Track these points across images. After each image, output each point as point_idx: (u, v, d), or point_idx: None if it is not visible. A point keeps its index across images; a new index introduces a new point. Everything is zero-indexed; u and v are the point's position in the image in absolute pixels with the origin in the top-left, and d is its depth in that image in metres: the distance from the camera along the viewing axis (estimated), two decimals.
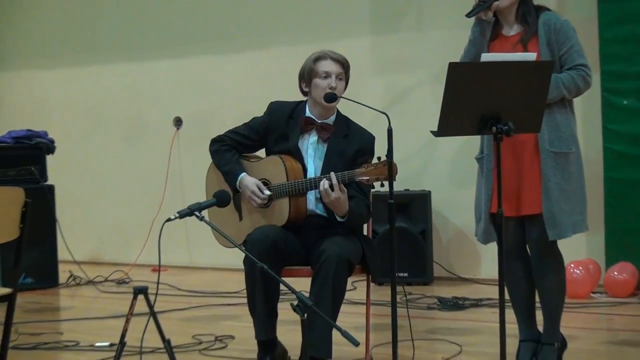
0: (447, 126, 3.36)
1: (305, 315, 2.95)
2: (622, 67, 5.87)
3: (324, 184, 3.62)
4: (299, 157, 3.88)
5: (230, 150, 3.97)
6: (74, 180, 8.15)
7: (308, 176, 3.84)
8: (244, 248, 3.48)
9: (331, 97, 3.77)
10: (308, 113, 3.93)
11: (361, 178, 3.57)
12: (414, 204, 6.38)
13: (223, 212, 3.88)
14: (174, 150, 7.79)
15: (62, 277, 6.85)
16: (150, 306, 3.29)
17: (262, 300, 3.66)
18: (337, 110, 3.97)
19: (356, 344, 2.85)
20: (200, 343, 4.57)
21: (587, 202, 3.86)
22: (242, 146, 4.00)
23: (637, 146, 5.83)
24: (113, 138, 8.14)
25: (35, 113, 8.39)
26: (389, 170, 3.40)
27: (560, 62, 3.76)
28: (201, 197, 3.82)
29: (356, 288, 5.98)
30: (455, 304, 5.49)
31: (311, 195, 3.86)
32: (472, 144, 4.39)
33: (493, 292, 4.90)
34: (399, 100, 6.85)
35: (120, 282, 6.89)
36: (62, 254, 6.87)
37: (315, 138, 3.90)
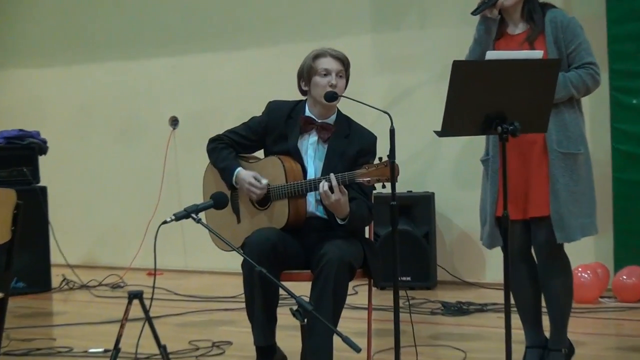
0: (451, 126, 3.36)
1: (305, 320, 2.94)
2: (632, 65, 5.87)
3: (324, 185, 3.62)
4: (298, 157, 3.87)
5: (227, 148, 3.97)
6: (67, 181, 8.15)
7: (308, 177, 3.84)
8: (242, 251, 3.48)
9: (332, 96, 3.77)
10: (308, 112, 3.93)
11: (362, 179, 3.57)
12: (417, 206, 6.38)
13: (220, 214, 3.88)
14: (170, 150, 7.79)
15: (55, 281, 6.85)
16: (146, 311, 3.29)
17: (260, 305, 3.66)
18: (338, 110, 3.97)
19: (358, 350, 2.85)
20: (197, 349, 4.57)
21: (596, 203, 3.86)
22: (240, 146, 4.01)
23: None
24: (107, 138, 8.14)
25: (28, 112, 8.38)
26: (391, 171, 3.40)
27: (567, 60, 3.77)
28: (198, 199, 3.81)
29: (357, 292, 5.98)
30: (459, 309, 5.48)
31: (311, 197, 3.85)
32: (476, 144, 4.40)
33: (498, 296, 4.91)
34: (401, 99, 6.85)
35: (115, 287, 6.89)
36: (54, 257, 6.87)
37: (315, 138, 3.90)
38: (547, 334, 3.99)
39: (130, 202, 7.97)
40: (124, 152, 8.05)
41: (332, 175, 3.63)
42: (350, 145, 3.87)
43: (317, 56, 3.89)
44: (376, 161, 3.60)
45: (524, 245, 3.90)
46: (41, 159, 6.83)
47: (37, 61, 8.51)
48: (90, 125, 8.24)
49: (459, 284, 6.52)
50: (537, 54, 3.51)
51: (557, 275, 3.85)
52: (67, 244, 7.13)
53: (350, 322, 4.53)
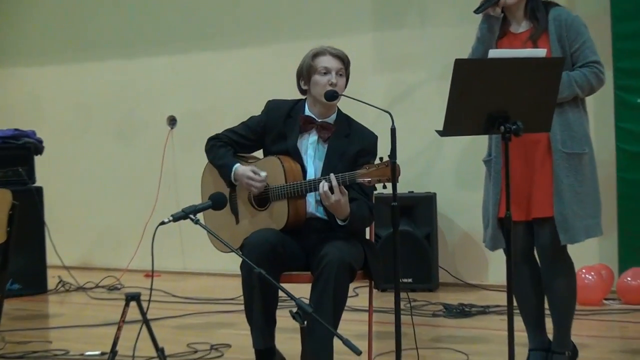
0: (453, 125, 3.36)
1: (305, 322, 2.94)
2: (636, 64, 5.88)
3: (324, 186, 3.62)
4: (297, 157, 3.87)
5: (225, 146, 3.97)
6: (63, 181, 8.15)
7: (308, 177, 3.84)
8: (240, 252, 3.48)
9: (332, 95, 3.77)
10: (307, 112, 3.93)
11: (363, 179, 3.57)
12: (419, 207, 6.38)
13: (219, 215, 3.88)
14: (167, 150, 7.78)
15: (51, 282, 6.84)
16: (143, 313, 3.29)
17: (259, 307, 3.66)
18: (338, 109, 3.96)
19: (358, 353, 2.85)
20: (195, 352, 4.57)
21: (601, 204, 3.86)
22: (239, 146, 4.00)
23: None
24: (104, 137, 8.14)
25: (24, 111, 8.38)
26: (392, 171, 3.40)
27: (571, 59, 3.77)
28: (196, 199, 3.81)
29: (358, 294, 5.98)
30: (461, 311, 5.48)
31: (311, 198, 3.85)
32: (479, 144, 4.39)
33: (501, 298, 4.90)
34: (402, 98, 6.85)
35: (112, 288, 6.88)
36: (50, 258, 6.87)
37: (315, 138, 3.90)
38: (550, 336, 3.99)
39: (127, 203, 7.97)
40: (121, 152, 8.05)
41: (332, 176, 3.62)
42: (350, 145, 3.87)
43: (316, 54, 3.88)
44: (377, 161, 3.60)
45: (527, 247, 3.90)
46: (37, 159, 6.83)
47: (34, 59, 8.51)
48: (86, 124, 8.24)
49: (461, 286, 6.52)
50: (541, 52, 3.51)
51: (560, 276, 3.85)
52: (63, 245, 7.13)
53: (351, 325, 4.53)
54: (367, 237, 4.03)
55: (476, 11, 3.80)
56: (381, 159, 3.56)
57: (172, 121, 7.82)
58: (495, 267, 6.38)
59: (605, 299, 5.68)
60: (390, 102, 6.69)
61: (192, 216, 3.23)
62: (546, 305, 3.97)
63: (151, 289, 3.40)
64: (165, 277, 7.31)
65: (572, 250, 3.87)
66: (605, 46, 5.63)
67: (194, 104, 7.73)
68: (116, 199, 8.05)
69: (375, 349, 4.15)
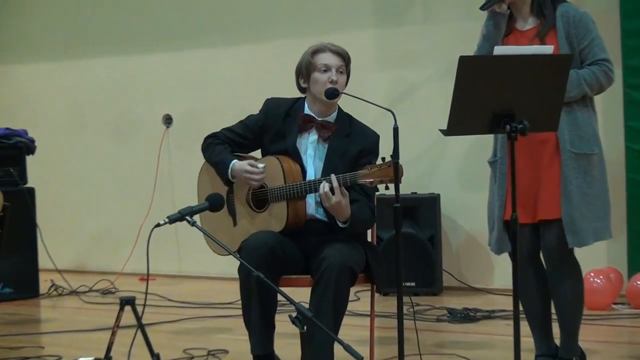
0: (457, 124, 3.36)
1: (305, 327, 2.94)
2: None
3: (324, 186, 3.62)
4: (297, 157, 3.87)
5: (223, 144, 3.97)
6: (56, 182, 8.15)
7: (307, 178, 3.84)
8: (238, 255, 3.48)
9: (332, 93, 3.76)
10: (307, 110, 3.93)
11: (364, 180, 3.57)
12: (422, 208, 6.38)
13: (216, 217, 3.88)
14: (163, 150, 7.79)
15: (43, 286, 6.84)
16: (138, 318, 3.29)
17: (258, 312, 3.66)
18: (339, 108, 3.96)
19: (360, 358, 2.85)
20: (192, 358, 4.57)
21: (610, 206, 3.86)
22: (236, 145, 4.00)
23: None
24: (98, 137, 8.14)
25: (15, 110, 8.39)
26: (395, 171, 3.40)
27: (580, 57, 3.77)
28: (192, 200, 3.81)
29: (359, 299, 5.98)
30: (466, 316, 5.48)
31: (311, 199, 3.85)
32: (483, 143, 4.40)
33: (507, 303, 4.90)
34: (405, 97, 6.85)
35: (106, 292, 6.88)
36: (43, 261, 6.87)
37: (315, 137, 3.90)
38: (557, 342, 3.99)
39: (122, 204, 7.97)
40: (116, 151, 8.05)
41: (333, 176, 3.62)
42: (351, 145, 3.87)
43: (316, 51, 3.89)
44: (379, 161, 3.59)
45: (533, 250, 3.90)
46: (29, 159, 6.83)
47: (25, 56, 8.51)
48: (80, 123, 8.24)
49: (465, 290, 6.52)
50: (548, 49, 3.51)
51: (566, 279, 3.85)
52: (56, 247, 7.12)
53: (352, 330, 4.53)
54: (369, 239, 4.03)
55: (482, 8, 3.81)
56: (383, 159, 3.55)
57: (168, 120, 7.82)
58: (500, 270, 6.38)
59: (614, 304, 5.68)
60: (392, 100, 6.68)
61: (188, 218, 3.24)
62: (553, 310, 3.97)
63: (146, 293, 3.39)
64: (160, 280, 7.31)
65: (580, 253, 3.87)
66: (614, 43, 5.63)
67: (191, 102, 7.73)
68: (110, 200, 8.05)
69: (377, 355, 4.16)
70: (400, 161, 3.40)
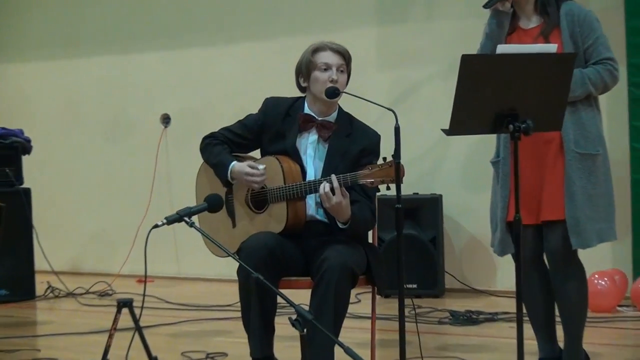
0: (460, 124, 3.36)
1: (305, 330, 2.94)
2: None
3: (325, 187, 3.61)
4: (296, 157, 3.87)
5: (221, 144, 3.97)
6: (52, 182, 8.16)
7: (307, 178, 3.84)
8: (237, 257, 3.48)
9: (333, 92, 3.76)
10: (307, 110, 3.93)
11: (365, 180, 3.56)
12: (424, 209, 6.38)
13: (215, 217, 3.88)
14: (161, 150, 7.79)
15: (40, 288, 6.84)
16: (136, 320, 3.29)
17: (257, 314, 3.66)
18: (339, 107, 3.96)
19: None
20: None
21: (614, 208, 3.86)
22: (235, 145, 4.00)
23: None
24: (95, 137, 8.15)
25: (11, 109, 8.39)
26: (396, 172, 3.39)
27: (584, 56, 3.77)
28: (191, 201, 3.81)
29: (360, 301, 5.98)
30: (468, 318, 5.48)
31: (311, 200, 3.85)
32: (486, 143, 4.40)
33: (510, 305, 4.91)
34: (406, 96, 6.85)
35: (103, 294, 6.88)
36: (39, 263, 6.87)
37: (315, 137, 3.90)
38: (561, 345, 3.99)
39: (119, 205, 7.97)
40: (113, 151, 8.05)
41: (333, 177, 3.62)
42: (352, 145, 3.87)
43: (316, 50, 3.88)
44: (380, 161, 3.59)
45: (536, 251, 3.90)
46: (25, 159, 6.83)
47: (21, 55, 8.51)
48: (76, 123, 8.25)
49: (468, 292, 6.52)
50: (551, 47, 3.51)
51: (570, 281, 3.85)
52: (52, 249, 7.13)
53: (353, 333, 4.53)
54: (370, 240, 4.03)
55: (485, 6, 3.81)
56: (384, 159, 3.55)
57: (165, 119, 7.82)
58: (503, 272, 6.38)
59: (619, 306, 5.67)
60: (394, 99, 6.69)
61: (186, 219, 3.23)
62: (557, 313, 3.96)
63: (144, 295, 3.39)
64: (158, 282, 7.31)
65: (584, 254, 3.87)
66: (618, 42, 5.63)
67: (189, 101, 7.73)
68: (107, 201, 8.05)
69: (379, 358, 4.16)
70: (402, 161, 3.39)
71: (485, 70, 3.30)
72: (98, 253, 8.09)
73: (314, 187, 3.71)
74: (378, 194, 3.94)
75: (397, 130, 3.37)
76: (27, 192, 6.74)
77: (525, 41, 3.80)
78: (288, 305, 2.99)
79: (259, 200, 3.88)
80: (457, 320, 5.44)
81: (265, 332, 3.70)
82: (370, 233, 4.02)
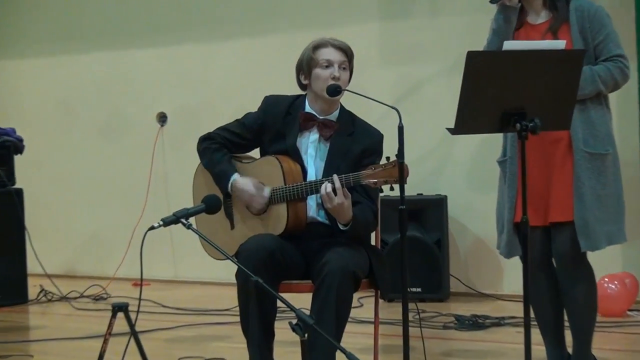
0: (465, 123, 3.36)
1: (306, 335, 2.94)
2: None
3: (326, 187, 3.61)
4: (297, 157, 3.87)
5: (221, 149, 3.97)
6: (45, 183, 8.15)
7: (308, 179, 3.84)
8: (236, 260, 3.47)
9: (334, 90, 3.76)
10: (308, 108, 3.93)
11: (368, 181, 3.57)
12: (428, 210, 6.38)
13: (213, 219, 3.88)
14: (157, 149, 7.79)
15: (32, 292, 6.84)
16: (131, 325, 3.29)
17: (256, 319, 3.66)
18: (341, 105, 3.96)
19: None
20: None
21: (624, 209, 3.86)
22: (234, 145, 4.00)
23: None
24: (89, 136, 8.14)
25: (3, 108, 8.39)
26: (400, 172, 3.40)
27: (594, 53, 3.77)
28: (188, 202, 3.82)
29: (363, 305, 5.98)
30: (474, 323, 5.48)
31: (312, 201, 3.85)
32: (493, 143, 4.39)
33: (517, 309, 4.91)
34: (410, 93, 6.85)
35: (98, 298, 6.88)
36: (31, 266, 6.87)
37: (317, 136, 3.90)
38: (570, 350, 3.98)
39: (114, 206, 7.97)
40: (108, 151, 8.05)
41: (335, 177, 3.62)
42: (354, 144, 3.87)
43: (317, 46, 3.88)
44: (383, 161, 3.60)
45: (544, 254, 3.90)
46: (17, 159, 6.83)
47: (13, 51, 8.51)
48: (70, 121, 8.24)
49: (473, 296, 6.51)
50: (560, 43, 3.51)
51: (579, 284, 3.85)
52: (45, 251, 7.13)
53: (355, 338, 4.53)
54: (373, 242, 4.03)
55: (492, 1, 3.81)
56: (388, 158, 3.56)
57: (162, 118, 7.82)
58: (510, 275, 6.38)
59: (629, 310, 5.67)
60: (397, 97, 6.68)
61: (184, 220, 3.23)
62: (566, 318, 3.96)
63: (140, 299, 3.39)
64: (155, 286, 7.31)
65: (593, 257, 3.87)
66: (629, 39, 5.63)
67: (186, 99, 7.73)
68: (102, 202, 8.05)
69: None
70: (406, 161, 3.39)
71: (491, 68, 3.30)
72: (93, 255, 8.08)
73: (315, 187, 3.71)
74: (381, 195, 3.94)
75: (400, 129, 3.38)
76: (20, 192, 6.74)
77: (533, 37, 3.80)
78: (288, 309, 2.99)
79: None
80: (463, 325, 5.44)
81: (264, 337, 3.70)
82: (373, 235, 4.02)
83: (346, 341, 3.54)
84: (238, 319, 3.78)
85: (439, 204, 6.40)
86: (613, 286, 5.60)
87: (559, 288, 3.91)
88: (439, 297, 6.31)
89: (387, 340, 5.00)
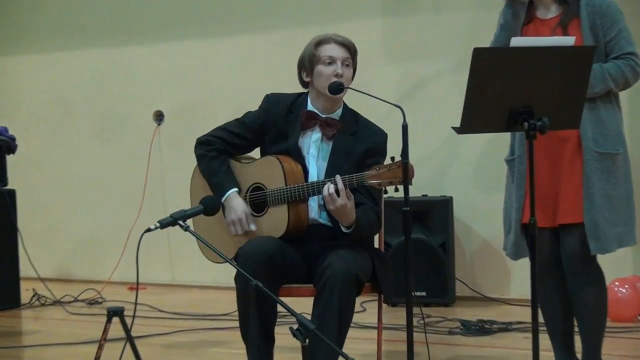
0: (472, 122, 3.36)
1: (307, 341, 2.94)
2: None
3: (329, 188, 3.61)
4: (298, 157, 3.87)
5: (219, 157, 3.96)
6: (38, 183, 8.16)
7: (310, 179, 3.84)
8: (235, 263, 3.47)
9: (337, 88, 3.76)
10: (310, 107, 3.93)
11: (372, 182, 3.56)
12: (433, 212, 6.38)
13: (211, 221, 3.88)
14: (154, 149, 7.79)
15: (25, 296, 6.85)
16: (127, 330, 3.29)
17: (256, 324, 3.66)
18: (344, 103, 3.96)
19: None
20: None
21: (635, 211, 3.85)
22: (233, 146, 3.99)
23: None
24: (84, 135, 8.15)
25: None
26: (404, 172, 3.39)
27: (605, 49, 3.76)
28: (185, 203, 3.81)
29: (366, 309, 5.98)
30: (480, 328, 5.48)
31: (313, 202, 3.85)
32: (500, 142, 4.39)
33: (525, 314, 4.91)
34: (415, 92, 6.85)
35: (92, 303, 6.89)
36: (24, 269, 6.88)
37: (319, 135, 3.89)
38: (579, 356, 3.98)
39: (109, 208, 7.97)
40: (103, 150, 8.05)
41: (338, 177, 3.62)
42: (357, 144, 3.87)
43: (320, 43, 3.88)
44: (387, 161, 3.59)
45: (553, 257, 3.89)
46: (9, 159, 6.83)
47: (6, 48, 8.52)
48: (65, 120, 8.25)
49: (480, 300, 6.51)
50: (569, 40, 3.51)
51: (589, 288, 3.84)
52: (38, 254, 7.13)
53: (358, 343, 4.53)
54: (376, 245, 4.03)
55: None
56: (392, 158, 3.55)
57: (159, 117, 7.83)
58: (518, 279, 6.38)
59: None
60: (401, 95, 6.69)
61: (181, 222, 3.24)
62: (575, 323, 3.96)
63: (136, 303, 3.39)
64: (151, 290, 7.31)
65: (603, 260, 3.87)
66: None
67: (184, 97, 7.73)
68: (97, 203, 8.06)
69: None
70: (410, 161, 3.39)
71: (498, 65, 3.30)
72: (87, 259, 8.09)
73: (317, 188, 3.70)
74: (385, 196, 3.95)
75: (404, 128, 3.37)
76: (12, 193, 6.74)
77: (542, 32, 3.80)
78: (289, 314, 2.99)
79: (258, 202, 3.88)
80: (469, 331, 5.44)
81: (264, 342, 3.70)
82: (376, 238, 4.02)
83: (348, 347, 3.54)
84: (237, 324, 3.78)
85: (444, 205, 6.40)
86: (624, 290, 5.60)
87: (568, 292, 3.91)
88: (444, 301, 6.31)
89: (391, 346, 5.00)
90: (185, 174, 4.27)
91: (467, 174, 6.70)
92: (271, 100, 4.01)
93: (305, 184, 3.77)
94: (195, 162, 4.06)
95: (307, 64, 3.90)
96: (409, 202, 3.38)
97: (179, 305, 6.65)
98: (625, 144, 3.84)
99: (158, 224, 3.23)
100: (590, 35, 3.74)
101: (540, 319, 3.51)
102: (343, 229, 3.73)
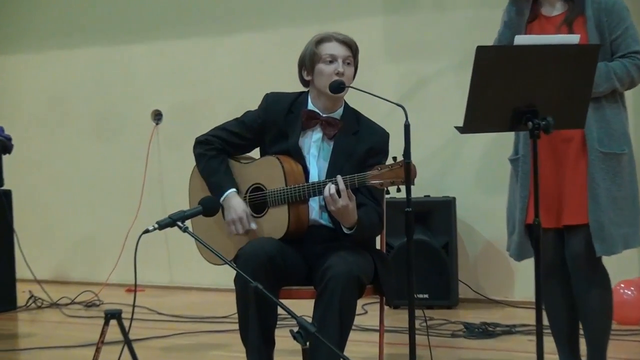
0: (475, 121, 3.36)
1: (308, 344, 2.94)
2: None
3: (330, 188, 3.61)
4: (299, 157, 3.87)
5: (218, 156, 3.96)
6: (34, 184, 8.16)
7: (311, 179, 3.84)
8: (234, 264, 3.47)
9: (338, 87, 3.76)
10: (311, 106, 3.93)
11: (374, 182, 3.56)
12: (436, 213, 6.38)
13: (210, 222, 3.88)
14: (152, 149, 7.79)
15: (21, 298, 6.85)
16: (125, 333, 3.29)
17: (256, 327, 3.66)
18: (345, 103, 3.96)
19: None
20: None
21: None
22: (232, 146, 3.99)
23: None
24: (81, 135, 8.15)
25: None
26: (406, 172, 3.39)
27: (611, 48, 3.76)
28: (184, 204, 3.81)
29: (367, 312, 5.98)
30: (484, 331, 5.48)
31: (314, 203, 3.85)
32: (503, 142, 4.39)
33: (529, 316, 4.91)
34: (417, 91, 6.85)
35: (90, 305, 6.88)
36: (20, 271, 6.88)
37: (320, 135, 3.89)
38: (584, 359, 3.98)
39: (107, 208, 7.97)
40: (100, 150, 8.05)
41: (339, 178, 3.61)
42: (359, 143, 3.87)
43: (320, 41, 3.88)
44: (389, 161, 3.59)
45: (558, 258, 3.89)
46: (5, 159, 6.82)
47: (4, 48, 8.51)
48: (62, 120, 8.25)
49: (483, 302, 6.51)
50: (574, 38, 3.50)
51: (594, 290, 3.84)
52: (34, 256, 7.13)
53: (360, 346, 4.53)
54: (378, 246, 4.03)
55: None
56: (394, 158, 3.55)
57: (157, 116, 7.83)
58: (522, 281, 6.38)
59: None
60: (403, 94, 6.69)
61: (180, 223, 3.23)
62: (580, 325, 3.96)
63: (134, 306, 3.39)
64: (149, 292, 7.31)
65: (609, 261, 3.87)
66: None
67: (182, 96, 7.73)
68: (95, 204, 8.05)
69: None
70: (412, 161, 3.39)
71: (501, 63, 3.30)
72: (84, 260, 8.08)
73: (317, 189, 3.70)
74: (387, 196, 3.94)
75: (407, 127, 3.37)
76: (8, 194, 6.74)
77: (547, 29, 3.79)
78: (289, 316, 2.99)
79: (258, 203, 3.88)
80: (472, 333, 5.44)
81: (264, 345, 3.70)
82: (378, 239, 4.02)
83: (350, 350, 3.54)
84: (237, 326, 3.78)
85: (446, 206, 6.40)
86: (629, 292, 5.59)
87: (572, 294, 3.91)
88: (447, 303, 6.31)
89: (393, 349, 5.00)
90: (184, 174, 4.27)
91: (470, 175, 6.69)
92: (271, 100, 4.01)
93: (305, 184, 3.77)
94: (194, 162, 4.06)
95: (307, 63, 3.89)
96: (411, 203, 3.38)
97: (178, 307, 6.65)
98: (631, 144, 3.83)
99: (156, 225, 3.22)
100: (596, 33, 3.73)
101: (545, 322, 3.51)
102: (344, 230, 3.73)
